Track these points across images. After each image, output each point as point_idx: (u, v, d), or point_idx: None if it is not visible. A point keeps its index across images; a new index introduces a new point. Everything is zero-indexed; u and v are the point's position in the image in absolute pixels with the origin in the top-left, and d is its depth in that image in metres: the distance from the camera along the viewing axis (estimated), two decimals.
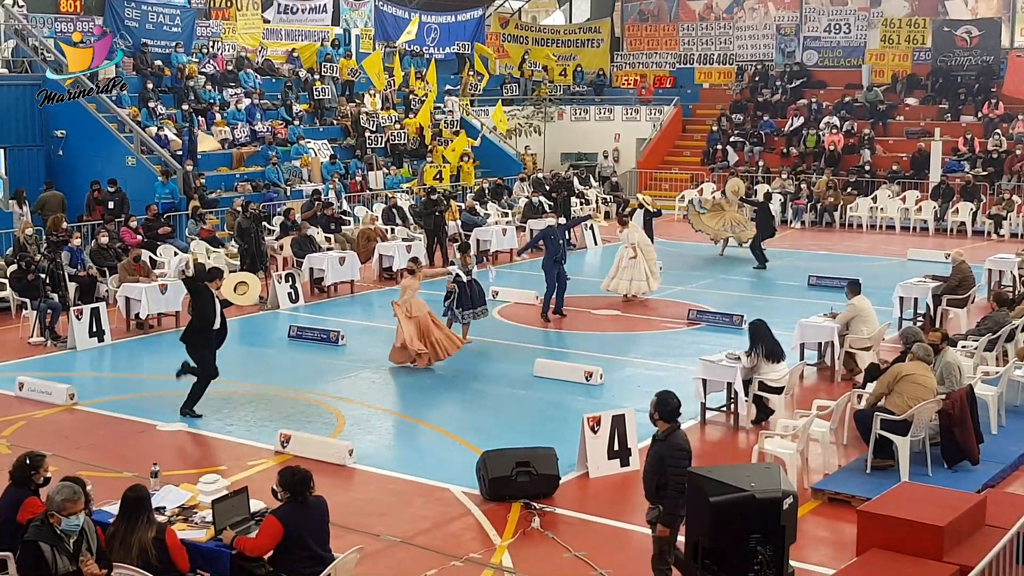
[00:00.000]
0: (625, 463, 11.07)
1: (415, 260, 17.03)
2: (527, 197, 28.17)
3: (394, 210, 25.44)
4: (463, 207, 25.84)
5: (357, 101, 31.22)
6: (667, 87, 38.69)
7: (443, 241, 23.17)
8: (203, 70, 28.78)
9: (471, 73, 35.44)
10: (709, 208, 24.93)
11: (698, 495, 7.25)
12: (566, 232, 19.99)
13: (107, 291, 18.62)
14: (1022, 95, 32.01)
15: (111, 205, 21.99)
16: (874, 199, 29.78)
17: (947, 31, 35.04)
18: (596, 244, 26.35)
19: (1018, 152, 30.02)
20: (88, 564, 7.09)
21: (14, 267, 18.25)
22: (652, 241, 20.77)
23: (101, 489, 8.77)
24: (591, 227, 26.55)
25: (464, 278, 16.23)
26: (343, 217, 24.70)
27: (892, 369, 11.04)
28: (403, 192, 27.85)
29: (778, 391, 12.37)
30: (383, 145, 30.05)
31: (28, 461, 8.05)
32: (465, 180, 29.69)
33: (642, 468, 8.48)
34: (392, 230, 24.39)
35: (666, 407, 8.14)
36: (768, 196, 27.57)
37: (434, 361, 15.04)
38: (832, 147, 32.46)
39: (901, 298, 17.46)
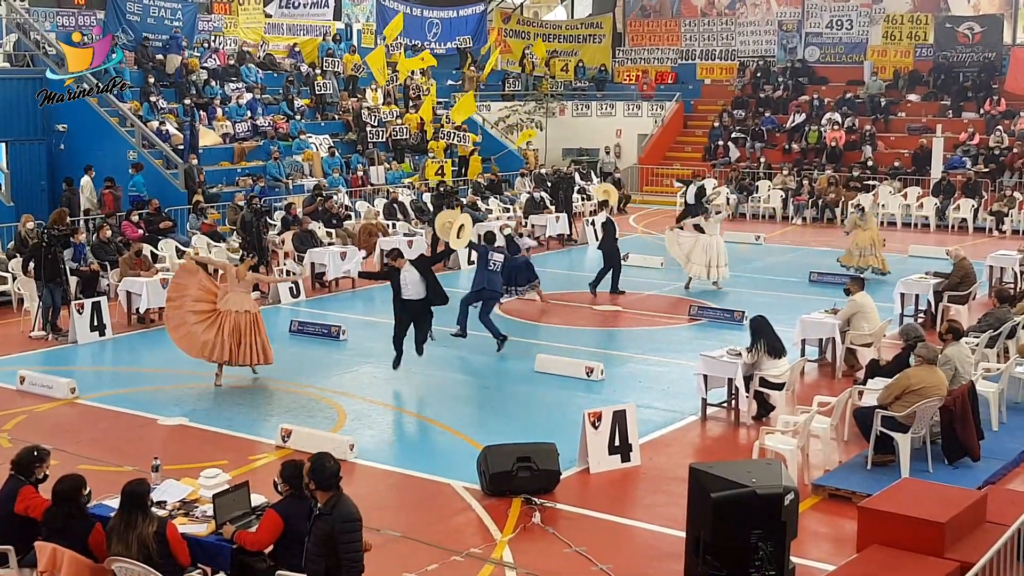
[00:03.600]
0: (626, 459, 11.07)
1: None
2: (528, 192, 28.16)
3: (395, 205, 25.45)
4: (465, 202, 25.84)
5: (359, 96, 31.24)
6: (669, 83, 38.70)
7: None
8: (204, 64, 28.78)
9: (472, 68, 35.44)
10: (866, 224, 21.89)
11: (700, 491, 7.26)
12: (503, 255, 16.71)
13: (108, 285, 18.62)
14: None
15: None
16: (875, 195, 29.72)
17: (949, 27, 35.03)
18: (596, 239, 26.30)
19: (1016, 149, 29.97)
20: None
21: (17, 259, 18.26)
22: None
23: (102, 483, 8.77)
24: (592, 223, 26.51)
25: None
26: (345, 212, 24.70)
27: (900, 380, 10.88)
28: (405, 187, 27.85)
29: (779, 387, 12.36)
30: (385, 140, 30.05)
31: (35, 453, 8.10)
32: (471, 174, 29.69)
33: (306, 553, 7.13)
34: (393, 225, 24.39)
35: (322, 473, 7.02)
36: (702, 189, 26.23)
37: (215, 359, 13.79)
38: (833, 143, 32.45)
39: (902, 294, 17.45)
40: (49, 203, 22.93)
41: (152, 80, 26.70)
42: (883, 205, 29.25)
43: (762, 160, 32.86)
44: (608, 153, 35.44)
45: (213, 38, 30.30)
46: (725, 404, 12.80)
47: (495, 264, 16.03)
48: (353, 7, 36.94)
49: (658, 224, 28.82)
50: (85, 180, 22.89)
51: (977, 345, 13.51)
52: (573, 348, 15.90)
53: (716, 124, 35.35)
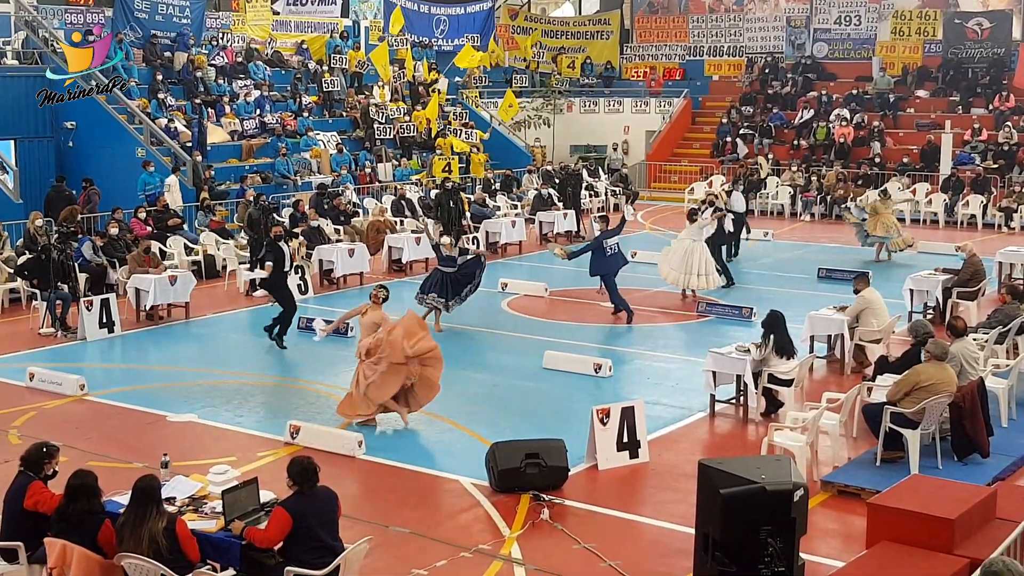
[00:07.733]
0: (634, 455, 11.06)
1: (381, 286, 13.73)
2: (536, 189, 28.14)
3: (403, 202, 25.45)
4: (473, 199, 25.82)
5: (366, 93, 31.25)
6: (677, 79, 38.65)
7: (459, 234, 22.87)
8: (212, 62, 28.80)
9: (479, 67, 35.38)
10: (868, 214, 23.42)
11: (709, 487, 7.26)
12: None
13: (117, 282, 18.66)
14: None
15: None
16: (884, 192, 29.64)
17: (958, 23, 34.93)
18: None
19: None
20: None
21: (26, 256, 18.29)
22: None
23: (111, 479, 8.79)
24: (601, 219, 26.47)
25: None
26: (352, 209, 24.71)
27: (909, 377, 10.85)
28: (412, 184, 27.87)
29: (788, 383, 12.34)
30: (392, 137, 30.06)
31: (44, 449, 8.14)
32: (474, 172, 29.69)
33: None
34: (401, 222, 24.39)
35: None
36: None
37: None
38: (842, 139, 32.39)
39: (911, 291, 17.41)
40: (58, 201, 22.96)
41: (160, 77, 26.74)
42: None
43: (770, 156, 32.80)
44: (616, 149, 35.41)
45: (221, 35, 30.32)
46: (734, 400, 12.79)
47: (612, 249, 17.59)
48: (360, 4, 36.92)
49: (666, 221, 28.81)
50: None
51: (986, 341, 13.48)
52: (581, 344, 15.89)
53: (724, 120, 35.30)
